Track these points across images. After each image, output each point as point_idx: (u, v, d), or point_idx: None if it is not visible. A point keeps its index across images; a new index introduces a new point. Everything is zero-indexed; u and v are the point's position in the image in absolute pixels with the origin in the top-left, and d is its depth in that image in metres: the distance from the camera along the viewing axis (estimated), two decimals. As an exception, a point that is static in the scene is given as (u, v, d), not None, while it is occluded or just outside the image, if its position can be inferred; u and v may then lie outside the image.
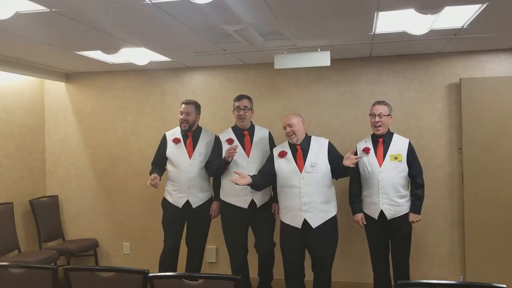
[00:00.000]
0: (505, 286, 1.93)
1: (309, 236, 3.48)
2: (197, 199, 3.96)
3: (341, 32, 3.45)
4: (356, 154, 3.69)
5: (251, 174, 3.58)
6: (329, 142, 3.61)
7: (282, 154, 3.56)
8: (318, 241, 3.48)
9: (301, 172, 3.47)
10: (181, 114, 3.95)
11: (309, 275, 3.65)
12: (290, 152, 3.56)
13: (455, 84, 4.29)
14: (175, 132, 4.06)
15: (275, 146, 3.87)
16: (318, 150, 3.54)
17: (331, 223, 3.53)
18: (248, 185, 3.46)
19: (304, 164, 3.49)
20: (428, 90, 4.36)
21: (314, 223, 3.44)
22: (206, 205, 4.02)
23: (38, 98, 5.17)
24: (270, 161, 3.62)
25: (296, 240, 3.50)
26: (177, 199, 3.95)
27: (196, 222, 4.00)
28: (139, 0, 2.60)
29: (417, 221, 3.63)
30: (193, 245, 4.04)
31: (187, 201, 3.93)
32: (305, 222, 3.44)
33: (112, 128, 5.10)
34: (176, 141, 3.98)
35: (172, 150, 3.99)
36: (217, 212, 4.04)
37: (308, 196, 3.44)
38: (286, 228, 3.55)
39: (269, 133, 3.99)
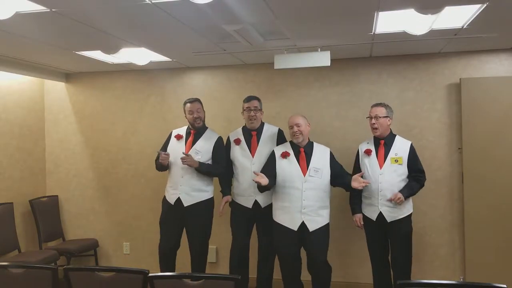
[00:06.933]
0: (505, 286, 1.93)
1: (304, 238, 3.50)
2: (188, 197, 3.88)
3: (341, 32, 3.45)
4: (358, 154, 3.73)
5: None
6: (330, 151, 3.67)
7: (285, 155, 3.58)
8: (313, 244, 3.50)
9: (304, 175, 3.50)
10: (191, 114, 3.92)
11: (308, 275, 3.65)
12: (293, 154, 3.57)
13: (455, 84, 4.29)
14: (181, 130, 4.08)
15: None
16: (321, 157, 3.59)
17: (325, 229, 3.55)
18: (265, 186, 3.40)
19: (308, 167, 3.52)
20: (428, 90, 4.36)
21: (311, 227, 3.47)
22: (202, 204, 3.92)
23: (38, 98, 5.17)
24: (272, 163, 3.60)
25: (292, 240, 3.51)
26: (171, 196, 3.93)
27: (191, 222, 3.94)
28: (139, 0, 2.60)
29: (397, 200, 3.42)
30: (193, 245, 4.00)
31: (178, 199, 3.88)
32: (302, 225, 3.46)
33: (112, 128, 5.10)
34: (178, 137, 4.01)
35: (172, 146, 4.01)
36: (222, 207, 3.89)
37: (309, 200, 3.47)
38: (281, 229, 3.54)
39: (279, 130, 3.95)
